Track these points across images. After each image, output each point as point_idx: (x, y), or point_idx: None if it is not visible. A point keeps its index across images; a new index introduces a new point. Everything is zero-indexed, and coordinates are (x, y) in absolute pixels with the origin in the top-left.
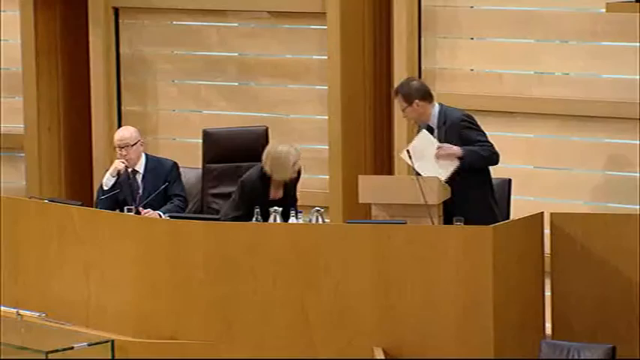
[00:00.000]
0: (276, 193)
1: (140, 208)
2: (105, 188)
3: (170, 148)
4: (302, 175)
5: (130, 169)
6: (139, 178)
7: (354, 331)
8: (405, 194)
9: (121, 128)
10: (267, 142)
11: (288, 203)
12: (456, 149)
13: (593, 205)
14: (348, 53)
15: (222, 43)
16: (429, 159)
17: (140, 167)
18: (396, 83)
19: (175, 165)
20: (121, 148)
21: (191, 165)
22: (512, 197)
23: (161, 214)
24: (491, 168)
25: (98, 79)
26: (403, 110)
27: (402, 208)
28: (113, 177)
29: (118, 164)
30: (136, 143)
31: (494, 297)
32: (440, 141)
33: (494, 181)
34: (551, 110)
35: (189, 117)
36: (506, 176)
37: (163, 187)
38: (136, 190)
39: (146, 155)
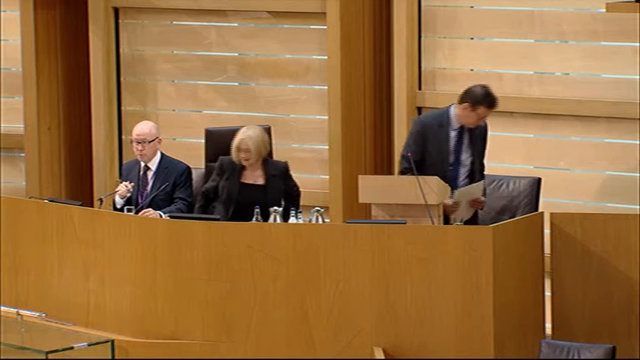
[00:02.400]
0: (252, 176)
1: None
2: (118, 206)
3: (170, 148)
4: (302, 174)
5: (142, 164)
6: (150, 174)
7: (354, 331)
8: (405, 194)
9: (141, 122)
10: (270, 140)
11: (285, 194)
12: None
13: (593, 205)
14: (348, 53)
15: (222, 43)
16: (464, 203)
17: (153, 165)
18: (396, 83)
19: (187, 169)
20: (138, 142)
21: (192, 165)
22: None
23: (162, 214)
24: (492, 167)
25: (98, 79)
26: (485, 117)
27: (402, 208)
28: (122, 199)
29: (124, 191)
30: (153, 140)
31: (494, 297)
32: (471, 143)
33: (517, 181)
34: (551, 110)
35: (189, 117)
36: (533, 176)
37: (164, 186)
38: (144, 187)
39: (162, 154)
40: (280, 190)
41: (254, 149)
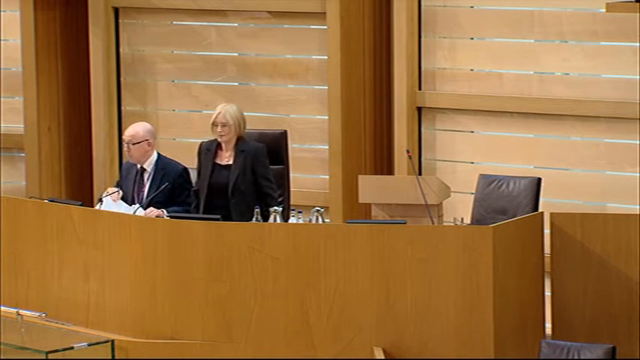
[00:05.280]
0: (224, 156)
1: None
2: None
3: (170, 148)
4: (302, 174)
5: (138, 166)
6: (146, 176)
7: (354, 331)
8: (405, 194)
9: (134, 123)
10: (286, 144)
11: (257, 188)
12: None
13: (593, 205)
14: (348, 53)
15: (222, 43)
16: None
17: (149, 166)
18: (396, 83)
19: (185, 171)
20: (126, 143)
21: (191, 165)
22: None
23: (164, 211)
24: (492, 167)
25: (98, 79)
26: None
27: (402, 208)
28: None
29: (115, 197)
30: (139, 142)
31: (494, 297)
32: None
33: (517, 181)
34: (551, 110)
35: (189, 117)
36: (533, 176)
37: (164, 186)
38: (140, 188)
39: (158, 155)
40: (246, 170)
41: (232, 122)
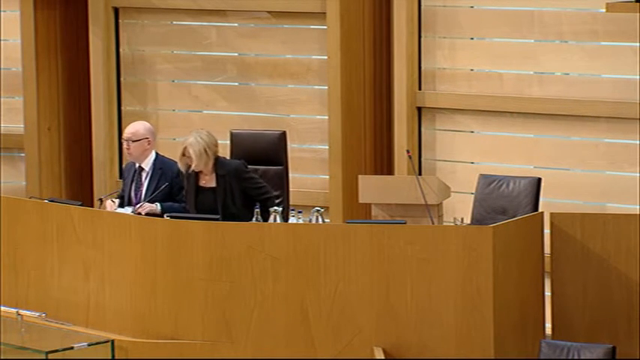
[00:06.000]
0: (205, 179)
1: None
2: None
3: (170, 148)
4: (302, 174)
5: (137, 165)
6: (144, 175)
7: (354, 331)
8: (405, 194)
9: (135, 122)
10: (285, 145)
11: (245, 195)
12: None
13: (593, 205)
14: (348, 53)
15: (222, 43)
16: None
17: (147, 165)
18: (396, 83)
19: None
20: (125, 140)
21: None
22: None
23: (158, 204)
24: (492, 167)
25: (98, 79)
26: None
27: (402, 208)
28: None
29: (109, 207)
30: (138, 140)
31: (494, 297)
32: None
33: (517, 181)
34: (551, 110)
35: (189, 117)
36: (533, 176)
37: (164, 186)
38: (138, 187)
39: (156, 154)
40: (234, 191)
41: (195, 156)
